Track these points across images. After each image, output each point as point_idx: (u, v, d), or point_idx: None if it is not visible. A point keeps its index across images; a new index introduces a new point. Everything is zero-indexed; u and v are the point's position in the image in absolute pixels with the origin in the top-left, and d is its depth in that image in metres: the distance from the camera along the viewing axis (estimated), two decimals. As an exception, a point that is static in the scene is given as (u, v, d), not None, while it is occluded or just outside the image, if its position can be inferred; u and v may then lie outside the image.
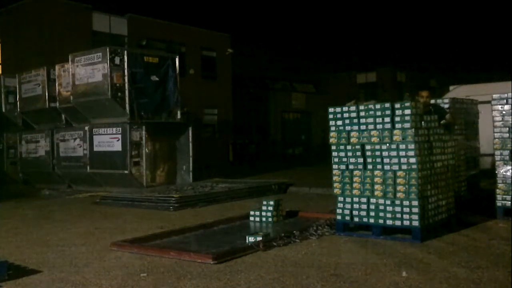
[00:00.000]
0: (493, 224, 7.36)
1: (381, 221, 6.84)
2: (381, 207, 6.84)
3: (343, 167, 7.21)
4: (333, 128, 7.35)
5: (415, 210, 6.57)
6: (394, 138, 6.75)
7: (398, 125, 6.76)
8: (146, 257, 6.13)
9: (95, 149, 14.41)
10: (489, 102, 8.32)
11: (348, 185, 7.17)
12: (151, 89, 14.52)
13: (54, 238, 7.56)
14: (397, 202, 6.71)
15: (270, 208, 8.35)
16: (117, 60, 13.76)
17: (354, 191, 7.10)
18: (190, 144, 14.94)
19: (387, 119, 6.85)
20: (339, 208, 7.24)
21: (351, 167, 7.14)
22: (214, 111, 28.34)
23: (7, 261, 5.47)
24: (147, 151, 14.06)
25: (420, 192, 6.60)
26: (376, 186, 6.89)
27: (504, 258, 5.61)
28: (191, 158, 14.87)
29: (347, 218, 7.16)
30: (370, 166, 6.96)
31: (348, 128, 7.19)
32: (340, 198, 7.27)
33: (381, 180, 6.85)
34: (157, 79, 14.62)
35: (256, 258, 5.92)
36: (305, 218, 8.54)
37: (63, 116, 15.97)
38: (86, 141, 14.66)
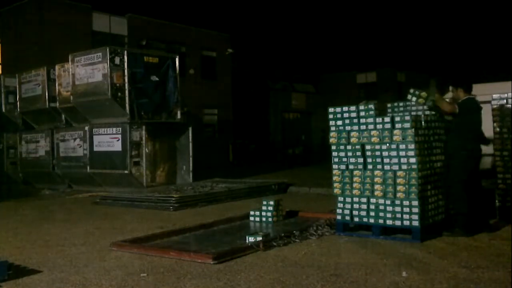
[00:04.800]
0: (493, 224, 7.34)
1: (381, 221, 6.84)
2: (381, 207, 6.84)
3: (343, 167, 7.20)
4: (333, 128, 7.35)
5: (415, 210, 6.57)
6: (394, 138, 6.75)
7: (398, 125, 6.75)
8: (146, 257, 6.13)
9: (95, 149, 14.41)
10: (489, 102, 8.31)
11: (348, 185, 7.17)
12: (151, 89, 14.52)
13: (54, 238, 7.56)
14: (397, 202, 6.71)
15: (270, 208, 8.35)
16: (117, 60, 13.76)
17: (354, 191, 7.10)
18: (190, 144, 14.94)
19: (387, 119, 6.85)
20: (339, 208, 7.24)
21: (351, 167, 7.14)
22: (214, 111, 28.34)
23: (7, 261, 5.47)
24: (147, 151, 14.06)
25: (420, 192, 6.60)
26: (376, 186, 6.89)
27: (504, 258, 5.61)
28: (191, 158, 14.87)
29: (347, 218, 7.16)
30: (370, 166, 6.96)
31: (348, 128, 7.19)
32: (340, 198, 7.27)
33: (381, 180, 6.85)
34: (157, 79, 14.62)
35: (256, 258, 5.92)
36: (305, 218, 8.54)
37: (63, 116, 15.97)
38: (86, 141, 14.66)
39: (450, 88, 7.44)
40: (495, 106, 8.10)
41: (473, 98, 7.18)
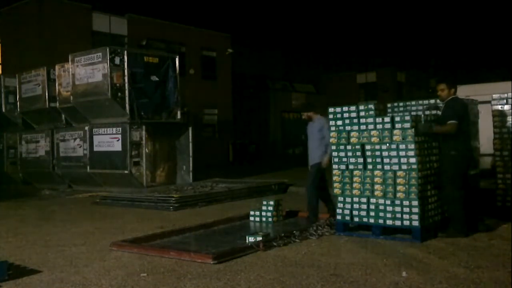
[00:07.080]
0: (493, 224, 7.35)
1: (381, 221, 6.83)
2: (381, 207, 6.84)
3: (343, 167, 7.20)
4: (333, 128, 7.35)
5: (415, 210, 6.57)
6: (394, 138, 6.75)
7: (398, 125, 6.75)
8: (146, 257, 6.13)
9: (95, 149, 14.42)
10: (489, 102, 8.32)
11: (348, 185, 7.17)
12: (151, 89, 14.53)
13: (54, 238, 7.56)
14: (397, 202, 6.71)
15: (270, 208, 8.35)
16: (117, 60, 13.76)
17: (354, 191, 7.10)
18: (190, 144, 14.95)
19: (387, 119, 6.85)
20: (339, 208, 7.24)
21: (351, 167, 7.14)
22: (214, 111, 28.35)
23: (7, 261, 5.47)
24: (147, 151, 14.07)
25: (420, 192, 6.60)
26: (376, 186, 6.89)
27: (504, 258, 5.61)
28: (191, 158, 14.87)
29: (347, 218, 7.16)
30: (370, 166, 6.96)
31: (348, 128, 7.19)
32: (340, 198, 7.27)
33: (381, 180, 6.84)
34: (157, 79, 14.62)
35: (256, 258, 5.92)
36: (305, 218, 8.53)
37: (63, 116, 15.97)
38: (86, 141, 14.67)
39: (436, 85, 7.24)
40: (495, 106, 8.10)
41: (457, 97, 7.04)
